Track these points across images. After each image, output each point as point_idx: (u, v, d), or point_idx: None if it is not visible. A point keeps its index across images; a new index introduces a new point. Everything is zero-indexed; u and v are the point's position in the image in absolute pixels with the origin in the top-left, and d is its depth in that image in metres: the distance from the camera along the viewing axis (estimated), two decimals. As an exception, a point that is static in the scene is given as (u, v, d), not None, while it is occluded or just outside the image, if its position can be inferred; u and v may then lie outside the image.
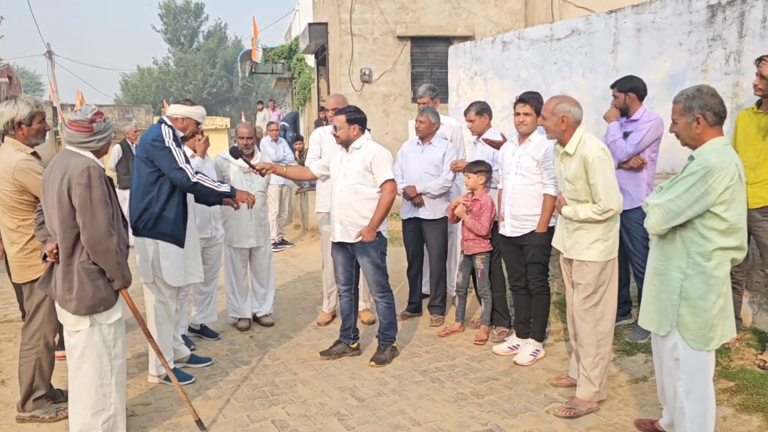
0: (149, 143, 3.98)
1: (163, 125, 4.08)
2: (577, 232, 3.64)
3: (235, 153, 4.83)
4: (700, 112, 2.79)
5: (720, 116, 2.82)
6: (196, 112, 4.23)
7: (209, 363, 4.60)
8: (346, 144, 4.47)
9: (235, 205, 4.38)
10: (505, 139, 4.82)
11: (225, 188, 4.24)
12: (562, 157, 3.67)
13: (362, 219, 4.41)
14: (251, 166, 4.64)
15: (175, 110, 4.18)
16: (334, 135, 4.47)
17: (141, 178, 4.02)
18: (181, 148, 4.07)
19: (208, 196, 4.24)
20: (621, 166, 4.37)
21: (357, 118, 4.45)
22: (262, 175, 4.72)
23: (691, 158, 2.84)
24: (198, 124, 4.29)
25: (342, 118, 4.42)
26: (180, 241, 4.10)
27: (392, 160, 4.58)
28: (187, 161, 4.07)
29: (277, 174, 4.72)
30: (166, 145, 3.96)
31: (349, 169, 4.44)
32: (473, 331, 5.12)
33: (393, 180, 4.43)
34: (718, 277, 2.78)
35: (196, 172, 4.06)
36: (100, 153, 3.33)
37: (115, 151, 9.72)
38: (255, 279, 5.56)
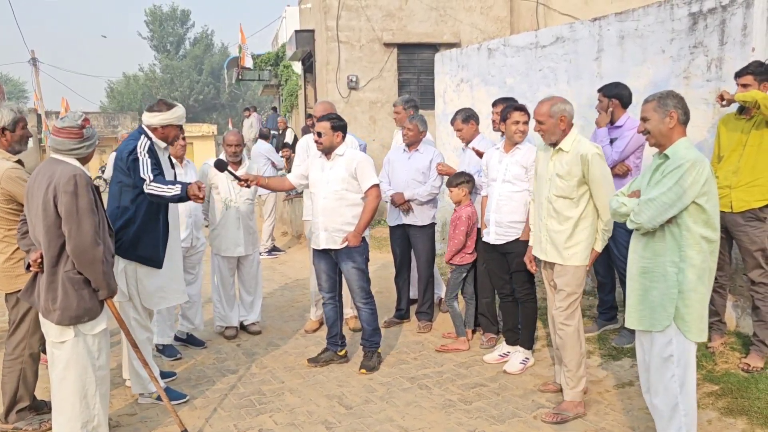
0: (126, 154, 3.81)
1: (142, 136, 3.88)
2: (561, 235, 3.66)
3: (221, 166, 4.54)
4: (674, 108, 2.96)
5: (687, 117, 3.00)
6: (174, 116, 3.93)
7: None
8: (328, 151, 4.47)
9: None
10: None
11: (176, 191, 3.76)
12: (553, 154, 3.67)
13: (347, 225, 4.40)
14: (237, 178, 4.48)
15: (151, 119, 3.91)
16: (317, 142, 4.45)
17: (119, 195, 3.84)
18: (154, 158, 3.84)
19: (166, 201, 3.85)
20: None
21: (341, 125, 4.46)
22: (248, 186, 4.61)
23: (665, 156, 2.97)
24: (179, 127, 4.04)
25: (327, 124, 4.41)
26: (158, 263, 3.93)
27: (374, 165, 4.57)
28: (160, 170, 3.87)
29: (260, 185, 4.63)
30: (137, 156, 3.79)
31: (333, 176, 4.43)
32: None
33: (378, 185, 4.44)
34: (705, 269, 2.91)
35: (155, 178, 3.76)
36: (86, 160, 3.29)
37: (112, 160, 9.43)
38: (242, 287, 5.53)
